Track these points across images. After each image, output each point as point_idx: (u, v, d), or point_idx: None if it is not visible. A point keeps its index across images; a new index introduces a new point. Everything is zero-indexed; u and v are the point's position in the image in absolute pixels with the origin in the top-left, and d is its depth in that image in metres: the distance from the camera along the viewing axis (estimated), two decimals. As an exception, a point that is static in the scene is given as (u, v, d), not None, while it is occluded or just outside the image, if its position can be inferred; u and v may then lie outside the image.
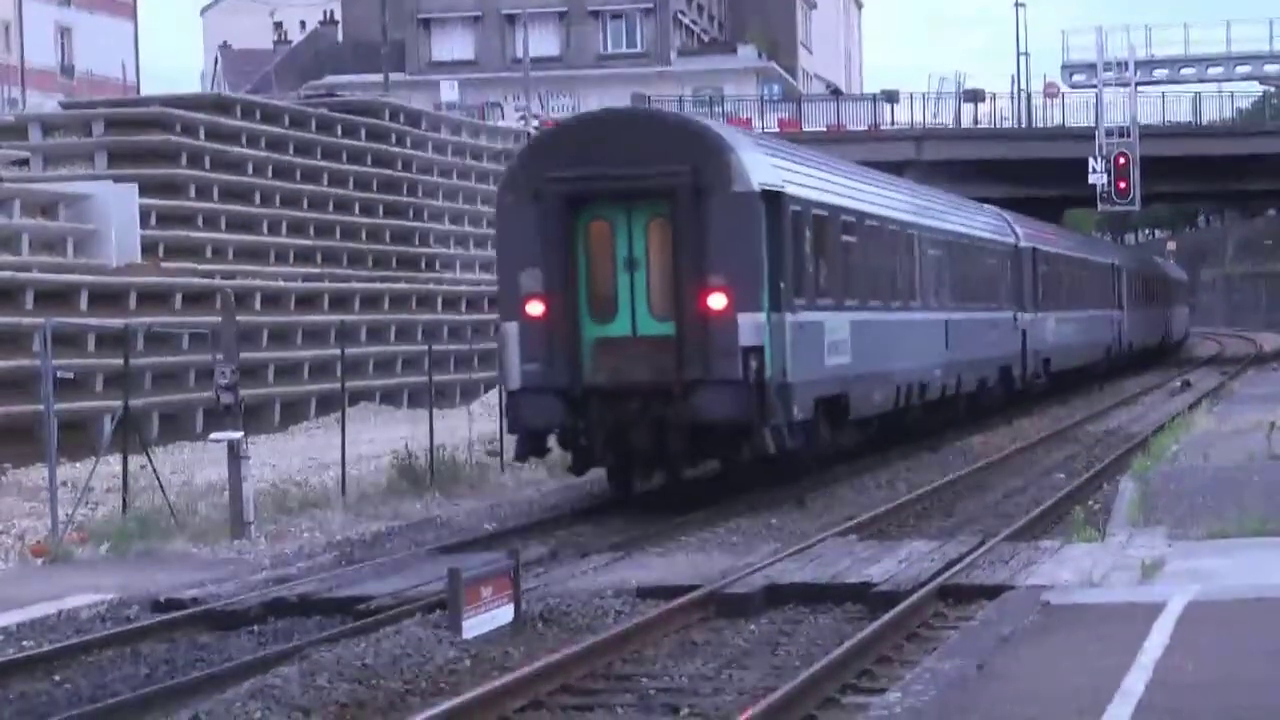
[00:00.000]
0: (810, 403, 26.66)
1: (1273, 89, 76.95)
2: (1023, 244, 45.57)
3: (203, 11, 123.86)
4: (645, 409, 24.56)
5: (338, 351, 33.13)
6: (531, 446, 25.82)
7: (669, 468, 25.63)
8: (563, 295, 24.68)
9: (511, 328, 25.22)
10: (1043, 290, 46.77)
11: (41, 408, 24.50)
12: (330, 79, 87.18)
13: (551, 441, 25.84)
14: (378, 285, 46.78)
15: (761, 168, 25.77)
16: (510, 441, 26.80)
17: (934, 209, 38.46)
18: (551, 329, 24.75)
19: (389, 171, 53.02)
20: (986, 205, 47.31)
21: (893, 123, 73.34)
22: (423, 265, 53.03)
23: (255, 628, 17.07)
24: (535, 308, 24.85)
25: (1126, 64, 63.77)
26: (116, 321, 31.62)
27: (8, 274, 34.02)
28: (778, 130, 72.62)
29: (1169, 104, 72.57)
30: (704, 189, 24.63)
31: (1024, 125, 74.02)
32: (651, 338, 24.80)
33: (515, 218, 25.27)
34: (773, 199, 25.47)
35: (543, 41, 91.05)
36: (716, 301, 24.49)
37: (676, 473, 25.70)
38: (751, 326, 24.66)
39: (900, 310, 33.18)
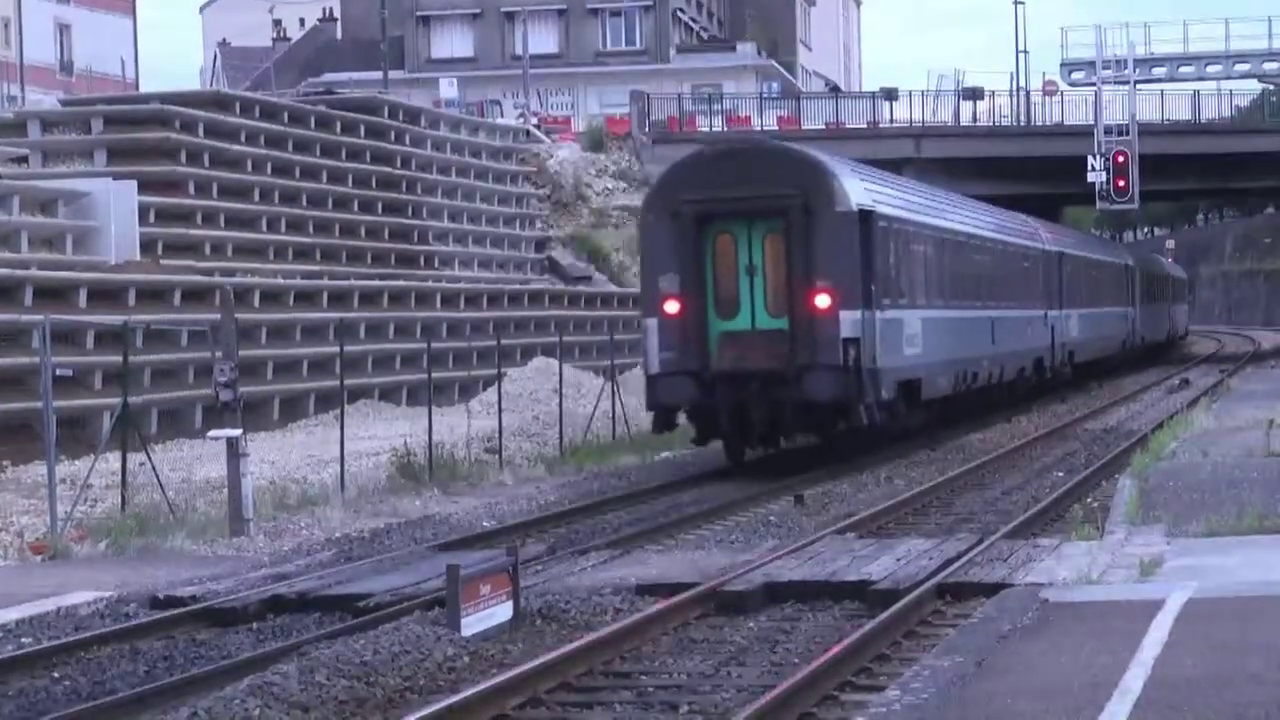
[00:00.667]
0: (894, 385, 31.67)
1: (1271, 87, 76.86)
2: (1050, 249, 50.41)
3: (202, 8, 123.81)
4: (762, 390, 29.37)
5: (336, 348, 33.14)
6: (665, 420, 30.85)
7: (778, 439, 30.95)
8: (694, 296, 29.63)
9: (652, 323, 30.11)
10: (1068, 290, 51.31)
11: (40, 405, 24.51)
12: (329, 76, 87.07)
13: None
14: (376, 282, 46.76)
15: (857, 191, 30.85)
16: (508, 441, 27.49)
17: (981, 220, 43.44)
18: (685, 323, 29.66)
19: (388, 169, 53.02)
20: (1017, 214, 51.18)
21: (892, 120, 73.24)
22: (421, 262, 53.01)
23: (254, 625, 17.08)
24: (672, 306, 29.77)
25: (1125, 62, 63.69)
26: (115, 318, 31.59)
27: (6, 271, 34.01)
28: (776, 128, 72.60)
29: (1168, 102, 72.41)
30: (812, 209, 29.57)
31: (1023, 123, 73.89)
32: (767, 331, 29.71)
33: (655, 233, 30.37)
34: (865, 217, 30.47)
35: (542, 38, 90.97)
36: (822, 301, 29.42)
37: (775, 444, 31.05)
38: (851, 322, 29.60)
39: (958, 309, 37.83)
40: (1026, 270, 46.52)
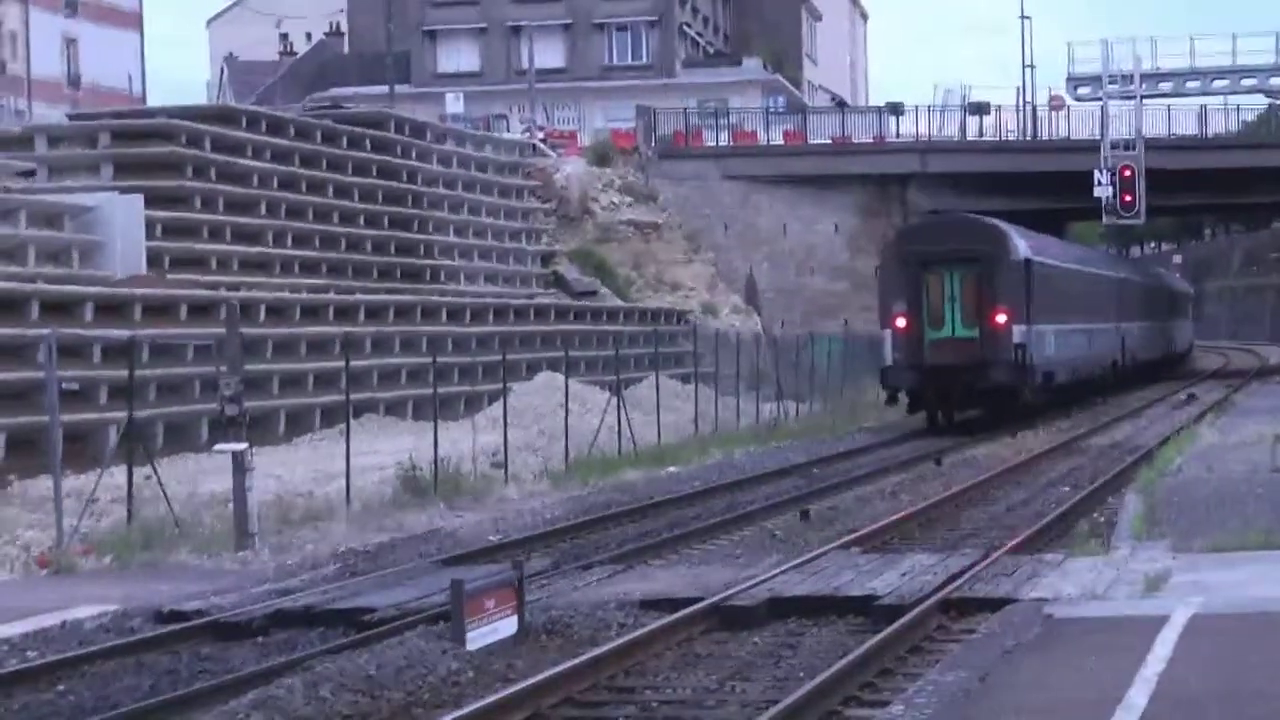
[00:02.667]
0: (1041, 375, 46.03)
1: (1278, 101, 76.86)
2: (1119, 276, 65.09)
3: (208, 23, 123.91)
4: (958, 377, 43.61)
5: (342, 363, 33.13)
6: (893, 397, 45.44)
7: (958, 412, 45.16)
8: (914, 315, 43.92)
9: (887, 333, 44.78)
10: (1131, 308, 65.41)
11: (46, 419, 24.53)
12: (335, 90, 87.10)
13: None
14: (382, 297, 46.77)
15: (1023, 247, 45.73)
16: (513, 456, 28.31)
17: (1082, 257, 60.50)
18: (909, 333, 43.99)
19: (394, 183, 53.06)
20: (1098, 249, 71.34)
21: (898, 135, 73.13)
22: (427, 277, 53.04)
23: (259, 639, 17.07)
24: (900, 322, 44.17)
25: (1131, 76, 63.70)
26: (121, 333, 31.59)
27: (13, 285, 34.03)
28: (783, 142, 72.60)
29: (1174, 117, 72.24)
30: (994, 259, 44.38)
31: (1029, 138, 73.82)
32: (963, 338, 43.97)
33: (891, 273, 45.25)
34: (1027, 263, 45.17)
35: (547, 53, 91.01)
36: (1000, 319, 43.91)
37: (951, 417, 45.01)
38: (1019, 332, 44.10)
39: (1072, 324, 51.37)
40: (1106, 294, 60.48)
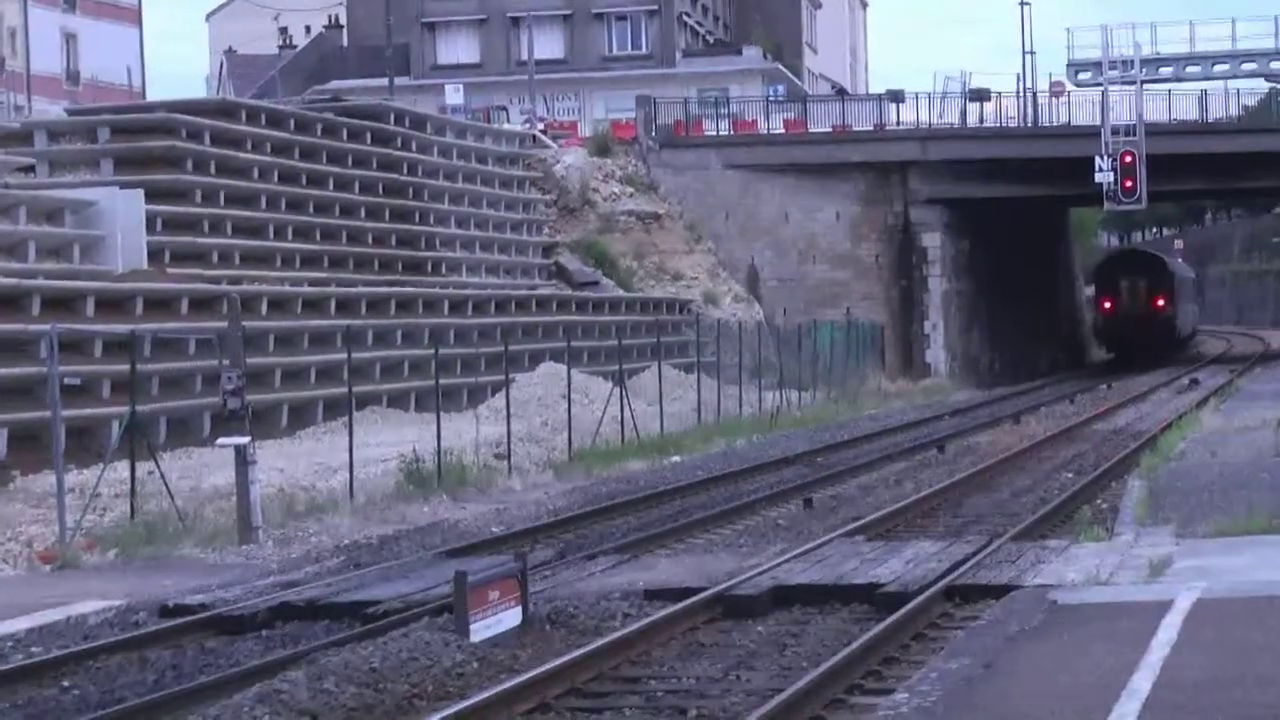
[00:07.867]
0: (1180, 332, 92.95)
1: (1278, 86, 76.78)
2: (1193, 275, 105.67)
3: (207, 17, 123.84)
4: (1137, 334, 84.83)
5: (344, 355, 33.13)
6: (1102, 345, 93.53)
7: (1139, 354, 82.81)
8: (1114, 301, 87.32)
9: (1100, 313, 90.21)
10: (1198, 294, 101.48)
11: (49, 414, 24.52)
12: (335, 83, 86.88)
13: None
14: (384, 289, 46.72)
15: (1170, 265, 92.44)
16: (516, 447, 27.62)
17: (1186, 266, 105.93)
18: (1112, 312, 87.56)
19: (394, 175, 53.03)
20: (1185, 261, 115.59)
21: (898, 123, 72.95)
22: (429, 269, 53.01)
23: (263, 632, 17.08)
24: (1106, 305, 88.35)
25: (1132, 62, 63.66)
26: (123, 327, 31.55)
27: (14, 281, 34.02)
28: (783, 131, 72.53)
29: (1175, 102, 72.13)
30: (1157, 271, 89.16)
31: (1030, 124, 73.69)
32: (1142, 312, 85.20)
33: (1100, 280, 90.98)
34: (1174, 274, 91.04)
35: (547, 44, 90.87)
36: (1160, 303, 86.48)
37: (1128, 362, 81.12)
38: (1171, 309, 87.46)
39: (1189, 304, 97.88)
40: (1195, 287, 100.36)
